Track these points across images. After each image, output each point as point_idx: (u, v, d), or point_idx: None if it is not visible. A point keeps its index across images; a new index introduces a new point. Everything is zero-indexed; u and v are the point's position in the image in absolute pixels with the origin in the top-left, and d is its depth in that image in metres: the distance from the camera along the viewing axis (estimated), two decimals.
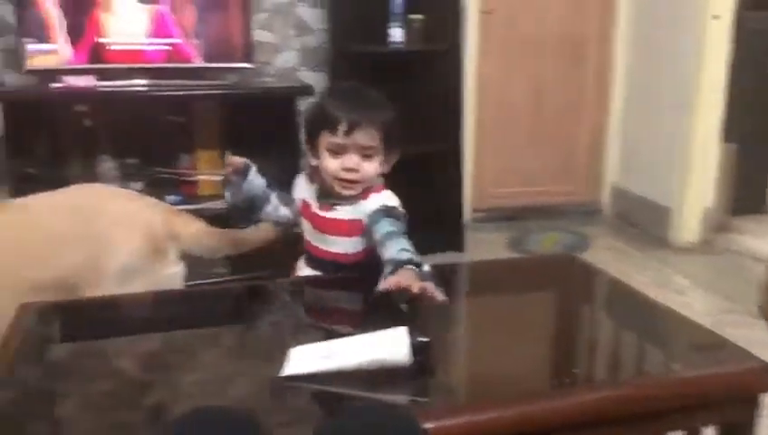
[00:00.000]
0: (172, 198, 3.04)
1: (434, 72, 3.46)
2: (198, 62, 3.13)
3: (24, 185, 2.89)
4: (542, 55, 3.95)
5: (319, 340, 1.09)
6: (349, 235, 1.47)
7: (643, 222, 3.91)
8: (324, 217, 1.50)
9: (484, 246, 3.60)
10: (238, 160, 1.54)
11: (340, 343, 1.08)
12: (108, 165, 3.07)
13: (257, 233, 1.77)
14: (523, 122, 4.01)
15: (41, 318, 1.27)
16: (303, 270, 1.55)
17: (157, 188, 3.10)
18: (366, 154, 1.43)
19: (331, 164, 1.44)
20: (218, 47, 3.14)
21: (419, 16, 3.33)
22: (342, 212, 1.48)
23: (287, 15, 3.52)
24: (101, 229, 1.66)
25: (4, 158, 3.12)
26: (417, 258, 1.29)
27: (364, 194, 1.47)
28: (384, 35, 3.32)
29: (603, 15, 3.98)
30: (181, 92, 3.07)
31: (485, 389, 1.10)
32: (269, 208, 1.58)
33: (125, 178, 3.11)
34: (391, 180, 3.36)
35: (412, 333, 1.06)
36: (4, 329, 1.46)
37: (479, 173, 3.93)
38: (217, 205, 3.02)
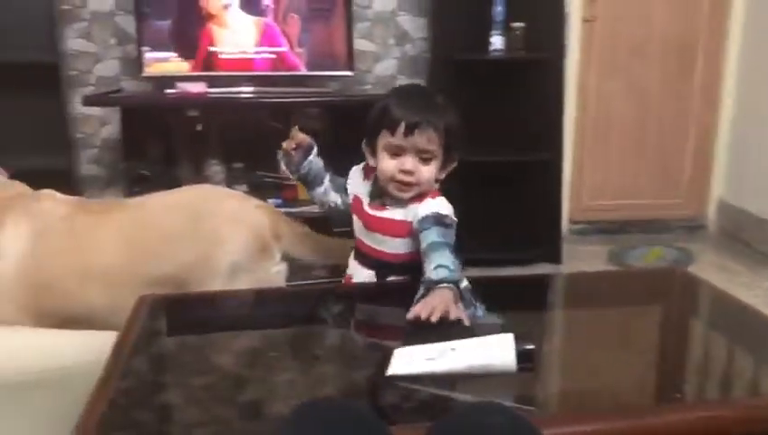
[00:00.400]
0: (273, 201, 3.14)
1: (535, 81, 3.42)
2: (302, 71, 3.22)
3: (137, 186, 3.07)
4: (647, 63, 3.83)
5: (417, 343, 1.09)
6: (398, 235, 1.45)
7: (752, 239, 3.72)
8: (374, 216, 1.47)
9: (583, 258, 3.52)
10: (303, 137, 1.54)
11: (446, 345, 1.08)
12: (215, 168, 3.21)
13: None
14: (625, 132, 3.90)
15: (154, 311, 1.34)
16: (356, 268, 1.53)
17: (259, 191, 3.21)
18: (424, 157, 1.40)
19: (389, 165, 1.41)
20: (321, 56, 3.23)
21: (521, 24, 3.30)
22: (393, 212, 1.45)
23: (388, 24, 3.57)
24: (212, 228, 1.73)
25: (120, 159, 3.32)
26: (454, 274, 1.25)
27: (419, 198, 1.43)
28: (485, 43, 3.31)
29: (713, 21, 3.82)
30: (285, 99, 3.18)
31: (591, 400, 1.08)
32: (320, 190, 1.57)
33: (231, 181, 3.24)
34: (487, 188, 3.35)
35: (518, 340, 1.06)
36: (120, 322, 1.59)
37: (579, 184, 3.86)
38: (315, 209, 3.10)
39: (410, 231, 1.43)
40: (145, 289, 1.62)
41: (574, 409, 1.06)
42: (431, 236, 1.35)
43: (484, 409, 0.81)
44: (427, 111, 1.39)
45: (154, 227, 1.75)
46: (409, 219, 1.43)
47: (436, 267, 1.26)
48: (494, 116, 3.40)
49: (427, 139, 1.38)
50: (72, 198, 1.86)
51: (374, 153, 1.46)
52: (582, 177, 3.85)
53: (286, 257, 1.82)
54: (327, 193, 1.57)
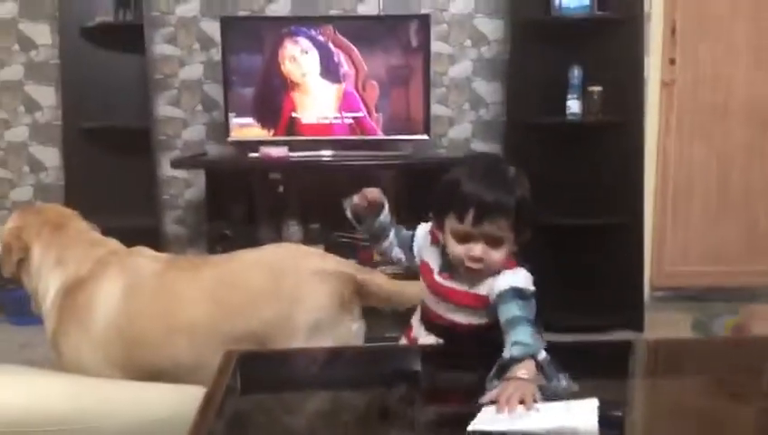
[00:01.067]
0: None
1: (612, 144, 3.38)
2: (379, 135, 3.30)
3: (219, 245, 3.17)
4: (727, 125, 3.74)
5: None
6: (471, 306, 1.38)
7: None
8: (446, 287, 1.41)
9: (666, 326, 3.39)
10: (375, 196, 1.47)
11: (531, 405, 1.06)
12: (293, 229, 3.29)
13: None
14: (707, 196, 3.79)
15: (240, 367, 1.36)
16: (420, 330, 1.48)
17: (335, 251, 3.25)
18: (495, 243, 1.32)
19: (457, 249, 1.34)
20: (398, 120, 3.30)
21: (598, 88, 3.30)
22: (467, 285, 1.39)
23: (463, 90, 3.63)
24: (294, 285, 1.76)
25: (203, 220, 3.45)
26: (531, 349, 1.19)
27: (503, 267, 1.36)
28: (561, 107, 3.32)
29: None
30: (362, 162, 3.25)
31: None
32: (385, 244, 1.52)
33: (308, 241, 3.30)
34: (566, 253, 3.28)
35: (604, 406, 1.02)
36: (204, 376, 1.62)
37: (660, 249, 3.75)
38: (389, 270, 3.11)
39: (486, 304, 1.36)
40: (228, 345, 1.65)
41: None
42: (511, 310, 1.28)
43: None
44: (497, 194, 1.30)
45: (238, 285, 1.78)
46: (484, 293, 1.37)
47: (513, 343, 1.21)
48: (572, 180, 3.37)
49: (497, 227, 1.30)
50: (162, 254, 1.93)
51: (440, 227, 1.39)
52: (664, 242, 3.75)
53: (366, 308, 1.83)
54: (391, 248, 1.53)
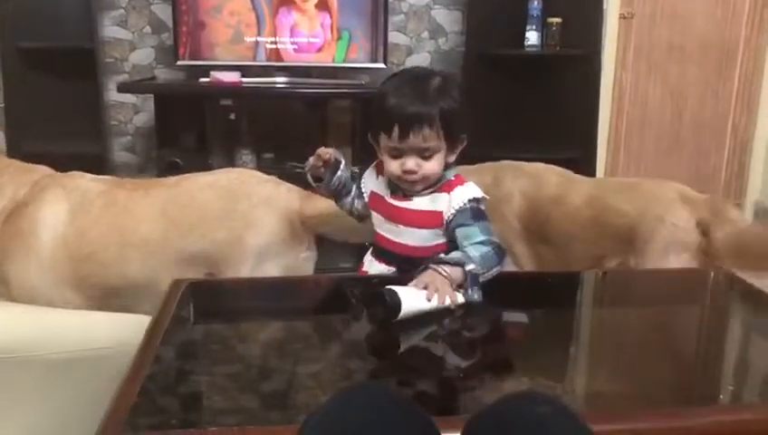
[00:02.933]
0: None
1: (570, 78, 3.38)
2: (335, 62, 3.22)
3: (169, 173, 3.08)
4: (685, 62, 3.76)
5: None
6: (425, 226, 1.40)
7: None
8: (398, 207, 1.42)
9: None
10: (330, 155, 1.46)
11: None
12: (246, 157, 3.22)
13: None
14: (660, 132, 3.84)
15: (187, 296, 1.34)
16: (372, 263, 1.48)
17: (289, 181, 3.22)
18: (425, 155, 1.35)
19: (392, 166, 1.37)
20: (357, 48, 3.22)
21: (557, 19, 3.26)
22: (419, 203, 1.40)
23: (422, 18, 3.55)
24: (246, 210, 1.76)
25: (153, 147, 3.35)
26: (467, 257, 1.28)
27: (447, 186, 1.39)
28: (520, 38, 3.28)
29: (754, 21, 3.74)
30: (318, 90, 3.17)
31: (626, 400, 1.05)
32: (347, 200, 1.52)
33: (261, 170, 3.23)
34: None
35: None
36: (156, 294, 1.62)
37: None
38: None
39: (438, 222, 1.39)
40: (179, 263, 1.70)
41: (610, 407, 1.04)
42: (473, 234, 1.34)
43: (530, 397, 0.79)
44: (420, 106, 1.32)
45: (191, 205, 1.78)
46: (439, 209, 1.39)
47: (472, 245, 1.31)
48: (528, 112, 3.37)
49: (422, 138, 1.32)
50: (106, 177, 1.91)
51: (379, 148, 1.42)
52: (616, 175, 3.80)
53: (317, 236, 1.85)
54: (354, 201, 1.52)
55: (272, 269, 1.72)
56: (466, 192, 1.39)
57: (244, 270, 1.71)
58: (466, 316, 1.27)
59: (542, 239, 2.12)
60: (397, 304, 1.17)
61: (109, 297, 1.71)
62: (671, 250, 1.89)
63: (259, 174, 1.91)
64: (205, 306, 1.40)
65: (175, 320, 1.21)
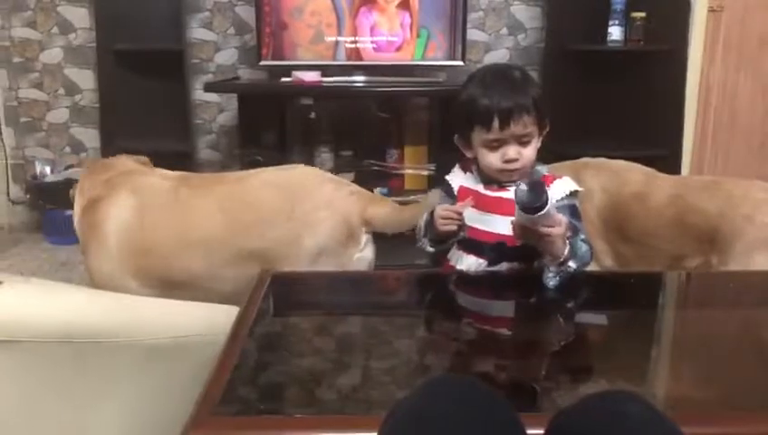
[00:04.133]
0: (379, 190, 3.18)
1: (655, 73, 3.28)
2: (414, 60, 3.23)
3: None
4: None
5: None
6: None
7: None
8: (494, 197, 1.45)
9: None
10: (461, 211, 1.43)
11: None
12: (325, 155, 3.28)
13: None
14: (751, 130, 3.68)
15: (272, 287, 1.38)
16: (461, 256, 1.49)
17: (367, 179, 3.26)
18: (523, 141, 1.40)
19: (491, 158, 1.42)
20: (435, 46, 3.23)
21: (641, 14, 3.18)
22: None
23: (501, 14, 3.52)
24: (306, 211, 1.79)
25: (236, 145, 3.46)
26: (584, 258, 1.35)
27: (545, 180, 1.42)
28: (602, 34, 3.21)
29: None
30: (396, 88, 3.20)
31: (710, 403, 1.03)
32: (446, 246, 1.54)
33: (339, 168, 3.30)
34: None
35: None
36: (216, 286, 1.76)
37: None
38: (420, 198, 3.11)
39: None
40: (237, 260, 1.76)
41: (694, 410, 1.01)
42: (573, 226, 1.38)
43: (616, 396, 0.78)
44: (514, 96, 1.38)
45: (251, 203, 1.83)
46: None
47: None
48: (610, 109, 3.29)
49: (522, 125, 1.38)
50: (176, 173, 1.99)
51: (468, 145, 1.46)
52: (701, 174, 3.67)
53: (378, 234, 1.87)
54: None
55: (324, 268, 1.75)
56: (566, 184, 1.45)
57: (299, 268, 1.75)
58: (548, 315, 1.26)
59: (622, 237, 2.08)
60: (546, 195, 1.24)
61: (169, 289, 1.79)
62: (758, 249, 1.83)
63: (322, 173, 1.94)
64: (290, 299, 1.44)
65: (261, 311, 1.25)
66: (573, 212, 1.42)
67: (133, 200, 1.86)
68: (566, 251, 1.31)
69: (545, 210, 1.24)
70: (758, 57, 3.58)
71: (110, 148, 3.56)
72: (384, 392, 1.00)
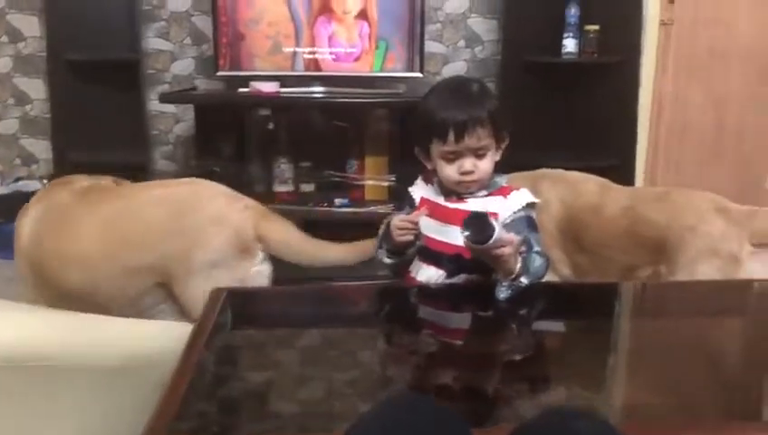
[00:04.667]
0: (340, 200, 3.17)
1: (608, 85, 3.35)
2: (373, 72, 3.24)
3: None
4: (727, 69, 3.69)
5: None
6: None
7: None
8: (454, 209, 1.45)
9: None
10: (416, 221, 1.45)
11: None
12: (284, 166, 3.25)
13: (339, 252, 1.86)
14: (702, 141, 3.77)
15: (228, 304, 1.36)
16: (420, 268, 1.49)
17: (327, 190, 3.25)
18: (479, 154, 1.42)
19: (448, 170, 1.43)
20: (392, 57, 3.24)
21: (595, 27, 3.24)
22: (474, 204, 1.43)
23: (458, 26, 3.55)
24: (195, 226, 1.79)
25: (192, 156, 3.41)
26: (529, 269, 1.34)
27: (502, 191, 1.45)
28: (557, 46, 3.26)
29: None
30: (355, 100, 3.19)
31: (666, 413, 1.04)
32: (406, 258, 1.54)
33: (299, 179, 3.28)
34: None
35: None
36: (103, 302, 1.77)
37: None
38: (381, 209, 3.11)
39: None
40: (125, 275, 1.79)
41: (648, 420, 1.03)
42: (528, 244, 1.38)
43: (568, 413, 0.79)
44: (470, 109, 1.40)
45: (138, 218, 1.84)
46: (494, 211, 1.41)
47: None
48: (565, 120, 3.34)
49: (477, 138, 1.40)
50: (88, 183, 2.00)
51: (427, 157, 1.48)
52: (654, 184, 3.74)
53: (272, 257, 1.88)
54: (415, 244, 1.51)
55: (222, 282, 1.71)
56: (523, 196, 1.46)
57: (194, 283, 1.75)
58: (504, 326, 1.27)
59: (578, 247, 2.12)
60: (492, 227, 1.26)
61: (62, 300, 1.79)
62: (701, 259, 1.88)
63: (216, 186, 1.92)
64: (245, 314, 1.42)
65: (215, 327, 1.23)
66: (530, 223, 1.44)
67: (36, 213, 1.91)
68: (518, 267, 1.33)
69: (492, 241, 1.26)
70: (708, 69, 3.68)
71: (62, 160, 3.49)
72: (344, 406, 0.99)
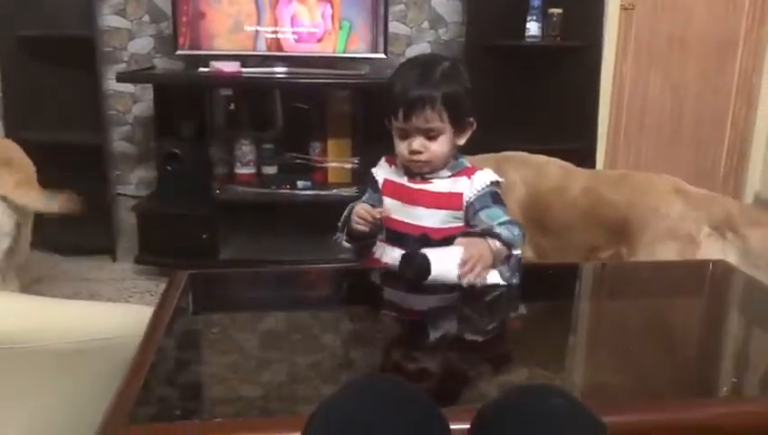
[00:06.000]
0: (303, 183, 3.14)
1: (571, 69, 3.37)
2: (336, 52, 3.20)
3: (168, 164, 3.09)
4: (685, 55, 3.75)
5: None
6: (444, 207, 1.44)
7: None
8: (418, 189, 1.45)
9: None
10: (375, 215, 1.45)
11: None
12: (246, 148, 3.20)
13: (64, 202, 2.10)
14: (660, 125, 3.83)
15: (187, 286, 1.33)
16: (385, 249, 1.49)
17: (289, 172, 3.22)
18: (431, 136, 1.40)
19: (400, 147, 1.43)
20: (356, 37, 3.21)
21: (558, 10, 3.25)
22: (439, 185, 1.44)
23: (422, 8, 3.54)
24: None
25: (152, 137, 3.34)
26: (516, 242, 1.34)
27: (466, 171, 1.45)
28: (521, 29, 3.27)
29: (755, 14, 3.73)
30: (318, 80, 3.16)
31: (627, 392, 1.06)
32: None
33: (260, 161, 3.24)
34: None
35: None
36: None
37: None
38: (344, 192, 3.10)
39: (458, 204, 1.43)
40: None
41: (611, 399, 1.04)
42: (497, 213, 1.40)
43: (540, 390, 0.79)
44: (423, 88, 1.37)
45: None
46: (458, 191, 1.43)
47: (505, 228, 1.35)
48: (528, 103, 3.36)
49: (424, 119, 1.38)
50: None
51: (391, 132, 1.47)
52: (615, 168, 3.80)
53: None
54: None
55: None
56: (487, 175, 1.45)
57: None
58: (466, 307, 1.27)
59: (540, 228, 2.14)
60: (425, 267, 1.24)
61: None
62: (661, 240, 1.92)
63: None
64: (206, 297, 1.40)
65: (176, 311, 1.21)
66: (495, 198, 1.44)
67: None
68: (507, 276, 1.34)
69: (432, 276, 1.25)
70: (667, 55, 3.74)
71: (14, 140, 3.38)
72: (307, 389, 0.98)
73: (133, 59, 3.46)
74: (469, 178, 1.44)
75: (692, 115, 3.83)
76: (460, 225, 1.44)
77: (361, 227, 1.44)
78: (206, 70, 3.10)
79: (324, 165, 3.26)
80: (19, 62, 3.30)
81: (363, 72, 3.27)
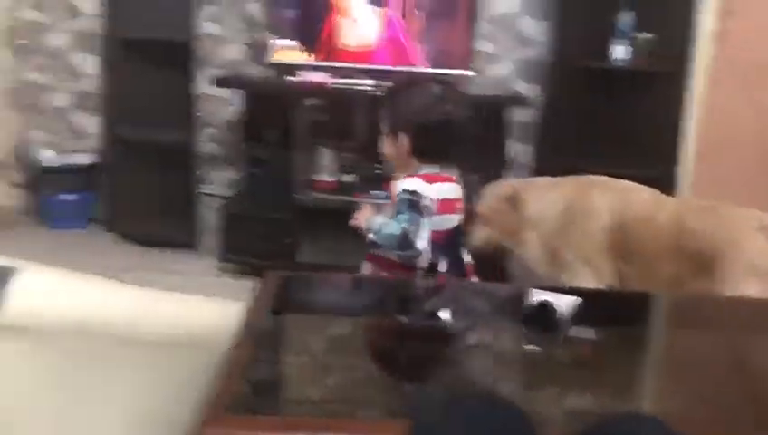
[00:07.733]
0: (377, 192, 3.18)
1: (656, 94, 3.32)
2: (421, 67, 3.25)
3: (252, 167, 3.21)
4: None
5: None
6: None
7: None
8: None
9: None
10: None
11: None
12: (327, 157, 3.29)
13: None
14: (749, 154, 3.71)
15: (279, 287, 1.39)
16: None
17: (367, 182, 3.28)
18: None
19: None
20: (441, 54, 3.25)
21: (647, 35, 3.21)
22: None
23: (509, 27, 3.54)
24: None
25: (238, 140, 3.46)
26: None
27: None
28: (604, 52, 3.25)
29: None
30: None
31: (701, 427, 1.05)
32: None
33: (341, 170, 3.31)
34: None
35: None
36: None
37: None
38: None
39: None
40: None
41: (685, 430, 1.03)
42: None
43: (636, 419, 0.80)
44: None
45: None
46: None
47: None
48: (610, 126, 3.32)
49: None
50: None
51: None
52: (698, 196, 3.70)
53: None
54: None
55: None
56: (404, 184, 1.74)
57: None
58: (553, 335, 1.28)
59: (625, 256, 2.12)
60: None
61: None
62: (747, 277, 1.88)
63: None
64: (297, 298, 1.46)
65: (268, 311, 1.27)
66: (411, 205, 1.68)
67: None
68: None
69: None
70: (759, 82, 3.62)
71: (108, 135, 3.59)
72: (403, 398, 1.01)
73: (224, 64, 3.59)
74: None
75: None
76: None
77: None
78: (294, 79, 3.19)
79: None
80: (119, 62, 3.49)
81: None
